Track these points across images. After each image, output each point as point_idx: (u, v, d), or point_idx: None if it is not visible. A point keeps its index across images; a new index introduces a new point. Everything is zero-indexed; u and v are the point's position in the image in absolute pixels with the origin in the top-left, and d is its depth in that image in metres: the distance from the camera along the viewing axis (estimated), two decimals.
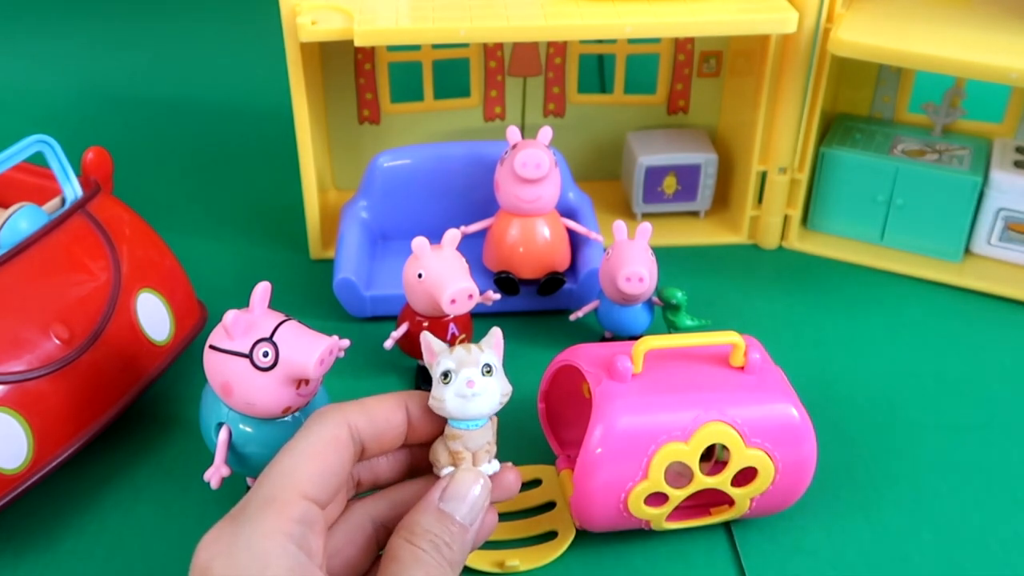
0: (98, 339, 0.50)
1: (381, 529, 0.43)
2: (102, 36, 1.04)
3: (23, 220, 0.51)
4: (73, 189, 0.54)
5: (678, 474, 0.46)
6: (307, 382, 0.45)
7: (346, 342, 0.46)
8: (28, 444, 0.46)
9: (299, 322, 0.45)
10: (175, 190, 0.78)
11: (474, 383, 0.41)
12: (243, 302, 0.65)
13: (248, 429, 0.46)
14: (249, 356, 0.43)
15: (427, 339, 0.43)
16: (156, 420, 0.55)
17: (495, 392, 0.42)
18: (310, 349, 0.43)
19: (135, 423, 0.55)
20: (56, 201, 0.54)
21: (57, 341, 0.48)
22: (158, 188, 0.77)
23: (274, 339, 0.43)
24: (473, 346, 0.42)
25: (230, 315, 0.43)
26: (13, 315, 0.48)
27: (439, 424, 0.43)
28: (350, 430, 0.41)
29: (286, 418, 0.46)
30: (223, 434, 0.46)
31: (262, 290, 0.44)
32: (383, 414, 0.42)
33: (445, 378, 0.41)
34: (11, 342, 0.47)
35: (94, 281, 0.52)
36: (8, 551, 0.48)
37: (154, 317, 0.54)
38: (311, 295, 0.65)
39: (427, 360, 0.43)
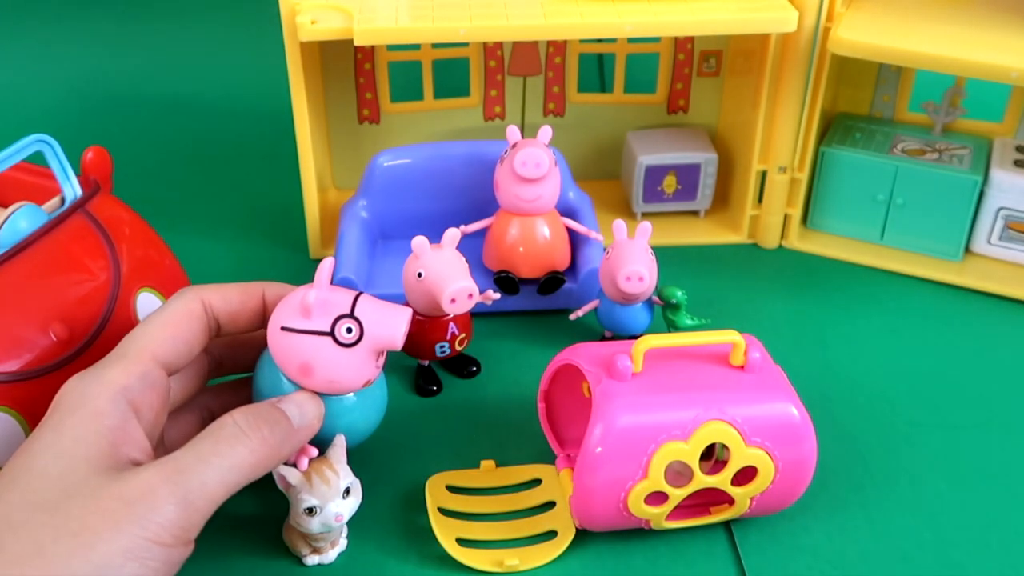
0: (98, 338, 0.50)
1: (210, 418, 0.48)
2: (102, 36, 1.04)
3: (23, 219, 0.51)
4: (73, 188, 0.54)
5: (678, 473, 0.45)
6: (383, 353, 0.45)
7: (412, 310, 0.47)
8: None
9: (368, 294, 0.45)
10: (175, 190, 0.78)
11: (343, 515, 0.44)
12: None
13: None
14: (331, 334, 0.43)
15: (280, 472, 0.44)
16: None
17: (356, 503, 0.46)
18: (395, 321, 0.44)
19: None
20: (56, 200, 0.54)
21: (57, 340, 0.48)
22: (158, 188, 0.77)
23: (355, 314, 0.44)
24: (327, 470, 0.44)
25: (312, 293, 0.43)
26: (13, 314, 0.48)
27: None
28: (204, 305, 0.45)
29: (349, 395, 0.47)
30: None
31: (328, 267, 0.44)
32: (238, 296, 0.46)
33: (310, 512, 0.44)
34: (10, 341, 0.47)
35: (94, 280, 0.52)
36: None
37: None
38: None
39: (282, 487, 0.45)
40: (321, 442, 0.46)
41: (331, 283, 0.45)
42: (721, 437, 0.44)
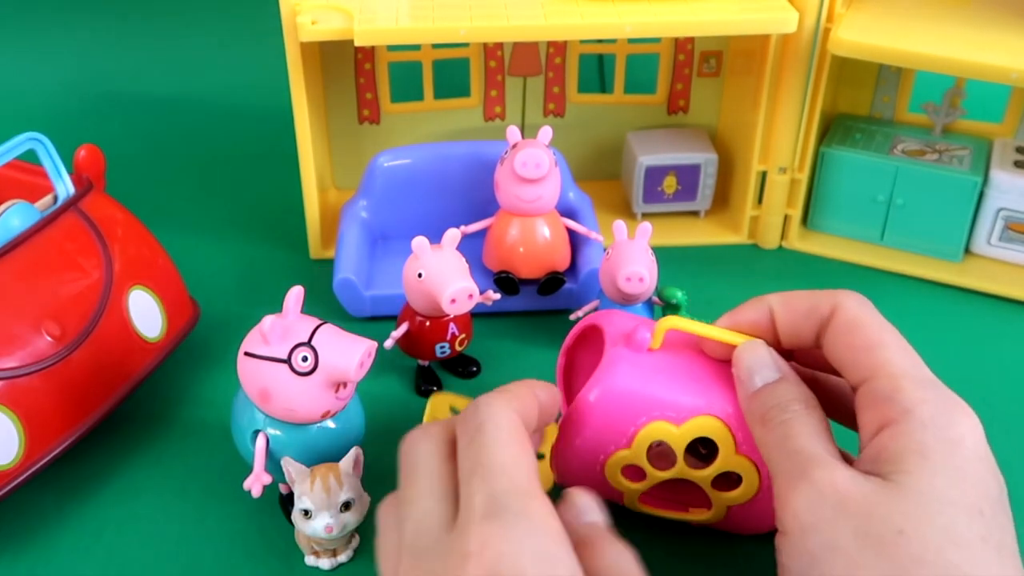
0: (90, 336, 0.50)
1: None
2: (98, 33, 1.03)
3: (15, 217, 0.51)
4: (65, 187, 0.55)
5: (663, 455, 0.45)
6: (345, 385, 0.45)
7: (375, 344, 0.46)
8: (19, 440, 0.47)
9: (335, 325, 0.45)
10: (175, 190, 0.78)
11: (332, 528, 0.43)
12: (244, 302, 0.65)
13: (286, 436, 0.46)
14: (288, 361, 0.43)
15: (286, 466, 0.44)
16: (153, 419, 0.55)
17: (354, 521, 0.45)
18: (350, 352, 0.43)
19: (133, 422, 0.55)
20: (48, 199, 0.55)
21: (49, 338, 0.49)
22: (158, 188, 0.77)
23: (312, 343, 0.43)
24: (333, 479, 0.43)
25: (267, 321, 0.43)
26: (5, 312, 0.48)
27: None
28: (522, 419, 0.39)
29: (323, 423, 0.46)
30: (260, 442, 0.46)
31: (295, 295, 0.44)
32: (529, 405, 0.40)
33: (306, 515, 0.43)
34: (3, 338, 0.47)
35: (86, 278, 0.52)
36: (8, 549, 0.48)
37: (146, 314, 0.54)
38: (311, 295, 0.64)
39: (288, 481, 0.44)
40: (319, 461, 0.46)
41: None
42: (714, 433, 0.44)
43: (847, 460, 0.39)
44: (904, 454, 0.36)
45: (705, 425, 0.44)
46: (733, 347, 0.44)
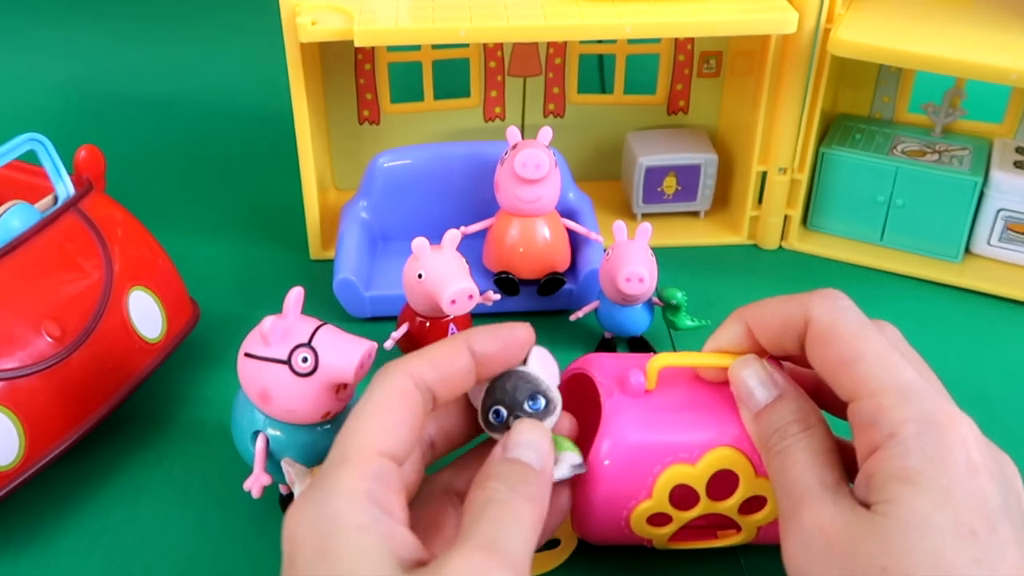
0: (90, 336, 0.50)
1: (459, 500, 0.42)
2: (99, 34, 1.03)
3: (15, 218, 0.51)
4: (65, 187, 0.55)
5: (684, 493, 0.44)
6: (345, 386, 0.45)
7: (375, 344, 0.46)
8: (19, 441, 0.47)
9: (335, 326, 0.45)
10: (175, 190, 0.78)
11: None
12: (244, 302, 0.65)
13: (286, 436, 0.45)
14: (288, 362, 0.43)
15: (286, 467, 0.44)
16: (153, 419, 0.55)
17: None
18: (350, 353, 0.43)
19: (133, 422, 0.55)
20: (48, 199, 0.55)
21: (49, 338, 0.49)
22: (158, 188, 0.77)
23: (312, 344, 0.43)
24: None
25: (267, 321, 0.43)
26: (5, 312, 0.48)
27: (511, 355, 0.42)
28: (414, 380, 0.39)
29: (323, 424, 0.46)
30: (260, 443, 0.46)
31: (296, 295, 0.44)
32: (444, 357, 0.40)
33: None
34: (3, 339, 0.47)
35: (86, 279, 0.52)
36: (8, 550, 0.48)
37: (146, 315, 0.54)
38: (311, 295, 0.64)
39: (288, 481, 0.44)
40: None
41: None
42: (731, 463, 0.43)
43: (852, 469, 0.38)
44: (888, 481, 0.35)
45: (721, 457, 0.43)
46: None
